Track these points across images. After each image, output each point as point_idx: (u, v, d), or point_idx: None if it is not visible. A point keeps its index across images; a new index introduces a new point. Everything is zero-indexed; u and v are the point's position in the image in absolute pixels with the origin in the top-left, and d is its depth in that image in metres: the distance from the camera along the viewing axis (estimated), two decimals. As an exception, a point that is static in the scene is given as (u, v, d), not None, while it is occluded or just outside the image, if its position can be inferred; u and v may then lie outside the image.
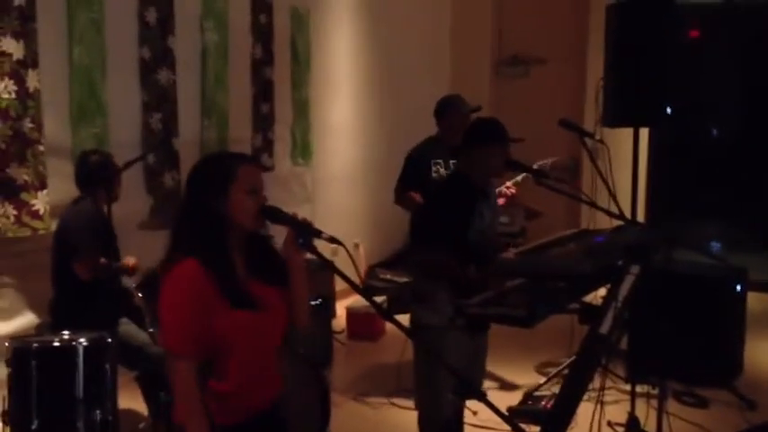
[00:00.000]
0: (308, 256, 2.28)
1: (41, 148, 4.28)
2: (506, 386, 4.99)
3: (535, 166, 4.48)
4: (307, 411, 3.59)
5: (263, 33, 6.24)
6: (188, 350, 2.16)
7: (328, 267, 2.24)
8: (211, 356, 2.19)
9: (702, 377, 4.55)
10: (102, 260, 3.85)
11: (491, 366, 4.36)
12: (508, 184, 4.91)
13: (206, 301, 2.15)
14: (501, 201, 4.43)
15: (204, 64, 5.61)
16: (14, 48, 4.13)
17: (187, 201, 2.27)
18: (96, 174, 3.94)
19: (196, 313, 2.14)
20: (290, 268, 2.29)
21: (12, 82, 4.11)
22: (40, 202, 4.26)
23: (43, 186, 4.29)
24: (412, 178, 4.69)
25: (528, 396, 4.71)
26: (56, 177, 4.28)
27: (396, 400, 4.73)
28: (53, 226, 4.14)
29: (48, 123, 4.40)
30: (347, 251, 2.27)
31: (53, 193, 4.31)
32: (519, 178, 4.97)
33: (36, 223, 4.26)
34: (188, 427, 2.17)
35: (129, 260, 4.01)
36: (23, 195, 4.23)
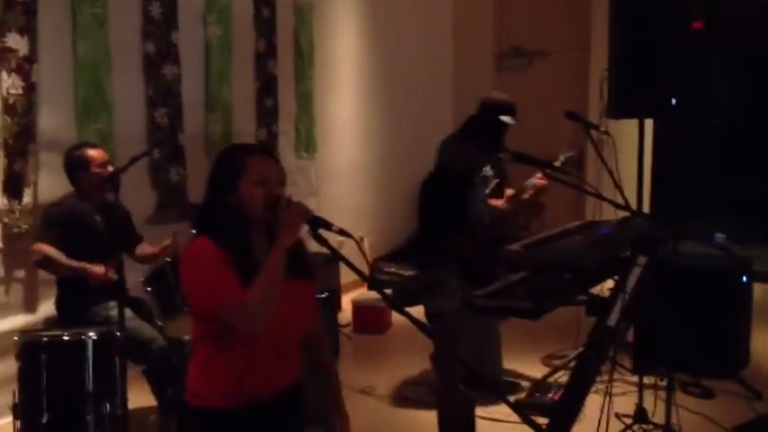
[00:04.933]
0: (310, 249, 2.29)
1: (32, 145, 4.28)
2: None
3: (562, 158, 4.49)
4: (316, 405, 3.60)
5: (266, 27, 6.24)
6: (236, 296, 2.14)
7: (338, 258, 2.25)
8: (221, 332, 2.21)
9: (709, 368, 4.56)
10: (45, 249, 3.74)
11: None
12: (539, 175, 4.79)
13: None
14: (530, 193, 4.43)
15: (208, 58, 5.62)
16: (20, 43, 4.14)
17: (205, 196, 2.31)
18: (70, 169, 3.97)
19: (225, 269, 2.16)
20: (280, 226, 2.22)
21: (18, 78, 4.13)
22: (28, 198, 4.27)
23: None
24: None
25: (535, 388, 4.71)
26: (62, 173, 4.25)
27: (402, 393, 4.74)
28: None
29: (53, 119, 4.42)
30: (357, 243, 2.28)
31: (58, 189, 4.31)
32: (561, 161, 4.82)
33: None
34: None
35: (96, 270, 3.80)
36: (26, 191, 4.24)
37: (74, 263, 3.77)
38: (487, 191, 4.50)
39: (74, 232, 3.84)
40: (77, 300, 3.90)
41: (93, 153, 3.99)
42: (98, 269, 3.74)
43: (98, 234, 3.93)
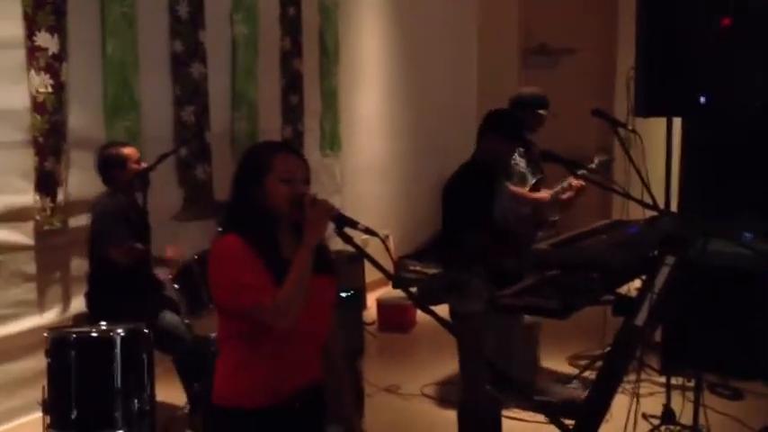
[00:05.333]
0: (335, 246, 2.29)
1: (62, 143, 4.33)
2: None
3: (596, 161, 4.49)
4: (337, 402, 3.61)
5: (291, 26, 6.25)
6: (268, 295, 2.15)
7: (363, 256, 2.25)
8: (251, 330, 2.22)
9: (737, 369, 4.50)
10: (138, 245, 3.87)
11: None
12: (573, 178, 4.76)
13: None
14: (570, 194, 4.46)
15: (234, 57, 5.64)
16: (49, 42, 4.18)
17: (231, 194, 2.33)
18: (105, 167, 4.01)
19: (255, 267, 2.18)
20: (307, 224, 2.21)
21: (48, 76, 4.17)
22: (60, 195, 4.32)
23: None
24: None
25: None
26: (91, 171, 4.30)
27: (427, 392, 4.74)
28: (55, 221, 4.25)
29: (82, 117, 4.47)
30: (383, 242, 2.28)
31: (88, 187, 4.37)
32: (595, 164, 4.80)
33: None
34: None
35: (169, 251, 4.04)
36: (57, 188, 4.29)
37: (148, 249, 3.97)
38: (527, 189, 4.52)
39: (124, 228, 3.91)
40: (109, 294, 3.94)
41: (127, 151, 4.05)
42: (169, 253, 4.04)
43: (140, 229, 4.00)
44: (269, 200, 2.24)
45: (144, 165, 4.08)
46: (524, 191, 4.50)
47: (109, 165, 4.01)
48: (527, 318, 4.33)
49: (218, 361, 2.34)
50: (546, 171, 4.67)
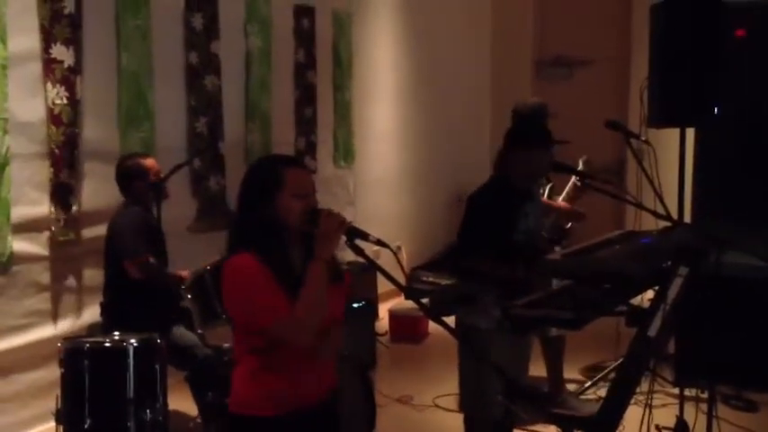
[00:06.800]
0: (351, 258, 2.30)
1: (78, 155, 4.37)
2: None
3: (581, 162, 4.50)
4: (354, 412, 3.61)
5: (305, 38, 6.29)
6: (286, 312, 2.17)
7: (375, 268, 2.25)
8: (269, 347, 2.23)
9: (752, 380, 4.47)
10: (152, 260, 3.90)
11: (535, 369, 4.34)
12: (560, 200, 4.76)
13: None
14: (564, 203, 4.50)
15: (248, 69, 5.68)
16: (65, 55, 4.22)
17: (240, 207, 2.32)
18: (126, 178, 4.03)
19: (272, 286, 2.19)
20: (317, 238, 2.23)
21: (63, 88, 4.21)
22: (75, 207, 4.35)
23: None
24: None
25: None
26: (105, 182, 4.34)
27: (440, 403, 4.73)
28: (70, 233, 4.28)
29: (97, 129, 4.50)
30: (394, 253, 2.29)
31: (102, 198, 4.40)
32: (569, 186, 4.82)
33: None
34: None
35: (184, 272, 4.04)
36: (72, 200, 4.32)
37: (169, 273, 4.00)
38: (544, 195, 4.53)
39: (147, 240, 3.93)
40: (124, 305, 3.95)
41: (148, 162, 4.08)
42: (185, 273, 3.98)
43: (157, 241, 4.02)
44: (281, 215, 2.23)
45: (162, 175, 4.11)
46: (550, 200, 4.52)
47: (129, 176, 4.04)
48: (552, 330, 4.33)
49: (236, 370, 2.34)
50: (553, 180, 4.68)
